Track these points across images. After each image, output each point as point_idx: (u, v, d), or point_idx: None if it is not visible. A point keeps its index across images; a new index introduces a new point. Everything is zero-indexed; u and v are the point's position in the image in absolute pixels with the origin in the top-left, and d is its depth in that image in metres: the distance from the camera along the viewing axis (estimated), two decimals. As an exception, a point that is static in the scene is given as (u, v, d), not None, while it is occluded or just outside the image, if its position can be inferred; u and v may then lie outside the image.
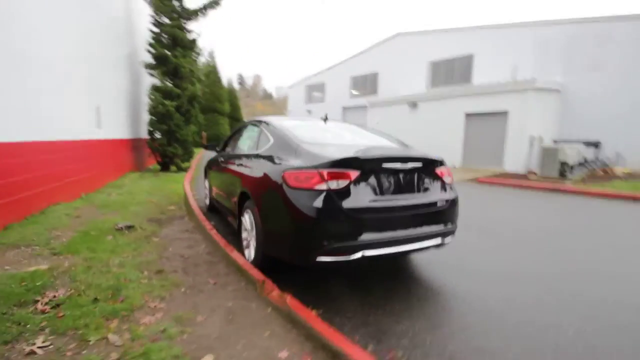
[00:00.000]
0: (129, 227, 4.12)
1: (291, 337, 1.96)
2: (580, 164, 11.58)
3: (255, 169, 2.93)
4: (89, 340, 1.82)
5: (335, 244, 2.26)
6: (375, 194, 2.43)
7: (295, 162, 2.49)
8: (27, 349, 1.72)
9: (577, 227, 5.29)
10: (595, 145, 12.79)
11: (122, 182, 7.51)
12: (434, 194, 2.67)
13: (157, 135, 9.39)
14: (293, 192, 2.33)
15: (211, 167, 5.18)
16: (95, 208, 5.06)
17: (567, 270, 3.33)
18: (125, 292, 2.38)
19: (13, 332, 1.85)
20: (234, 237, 3.81)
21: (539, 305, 2.54)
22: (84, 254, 3.16)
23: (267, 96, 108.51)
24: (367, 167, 2.39)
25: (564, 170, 10.37)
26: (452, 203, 2.77)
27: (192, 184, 8.24)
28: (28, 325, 1.92)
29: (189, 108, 9.81)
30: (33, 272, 2.63)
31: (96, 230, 3.98)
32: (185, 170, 10.03)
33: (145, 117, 9.58)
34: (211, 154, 5.48)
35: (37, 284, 2.46)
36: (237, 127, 4.57)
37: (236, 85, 40.82)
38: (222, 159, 4.36)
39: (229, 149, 4.85)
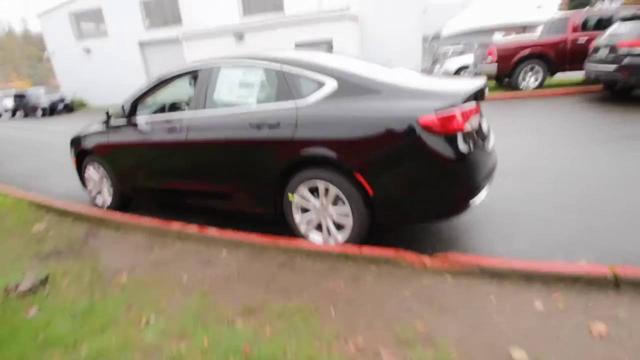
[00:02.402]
0: (44, 281, 2.30)
1: (512, 288, 1.86)
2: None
3: (330, 126, 2.15)
4: None
5: (483, 183, 2.15)
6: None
7: (414, 104, 2.00)
8: None
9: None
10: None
11: None
12: None
13: None
14: (438, 139, 1.94)
15: (108, 147, 3.34)
16: None
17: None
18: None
19: None
20: (222, 223, 2.83)
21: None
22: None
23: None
24: (477, 98, 2.23)
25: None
26: None
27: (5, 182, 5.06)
28: None
29: None
30: None
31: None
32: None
33: None
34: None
35: None
36: (166, 76, 2.99)
37: None
38: (165, 127, 2.86)
39: (153, 114, 3.26)
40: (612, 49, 6.35)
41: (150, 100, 3.27)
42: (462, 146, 1.98)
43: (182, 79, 3.03)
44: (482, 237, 2.54)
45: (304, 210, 2.48)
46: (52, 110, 16.98)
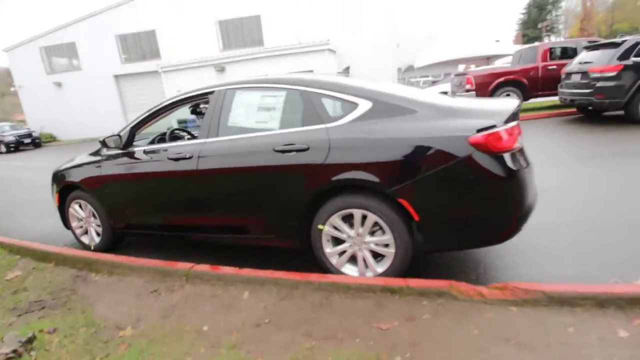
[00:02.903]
0: (28, 342, 1.89)
1: (587, 316, 1.69)
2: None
3: (370, 149, 1.99)
4: None
5: (534, 203, 2.05)
6: None
7: (459, 122, 1.90)
8: None
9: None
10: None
11: None
12: None
13: None
14: (490, 158, 1.82)
15: (100, 180, 2.99)
16: None
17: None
18: None
19: None
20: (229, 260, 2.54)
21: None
22: None
23: None
24: (515, 117, 2.18)
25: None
26: None
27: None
28: None
29: None
30: None
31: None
32: None
33: None
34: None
35: None
36: (168, 103, 2.76)
37: None
38: (171, 156, 2.59)
39: (155, 142, 3.00)
40: (584, 74, 6.81)
41: (150, 128, 3.01)
42: (513, 165, 1.87)
43: (186, 105, 2.82)
44: (515, 262, 2.40)
45: (335, 241, 2.25)
46: (17, 146, 15.95)
